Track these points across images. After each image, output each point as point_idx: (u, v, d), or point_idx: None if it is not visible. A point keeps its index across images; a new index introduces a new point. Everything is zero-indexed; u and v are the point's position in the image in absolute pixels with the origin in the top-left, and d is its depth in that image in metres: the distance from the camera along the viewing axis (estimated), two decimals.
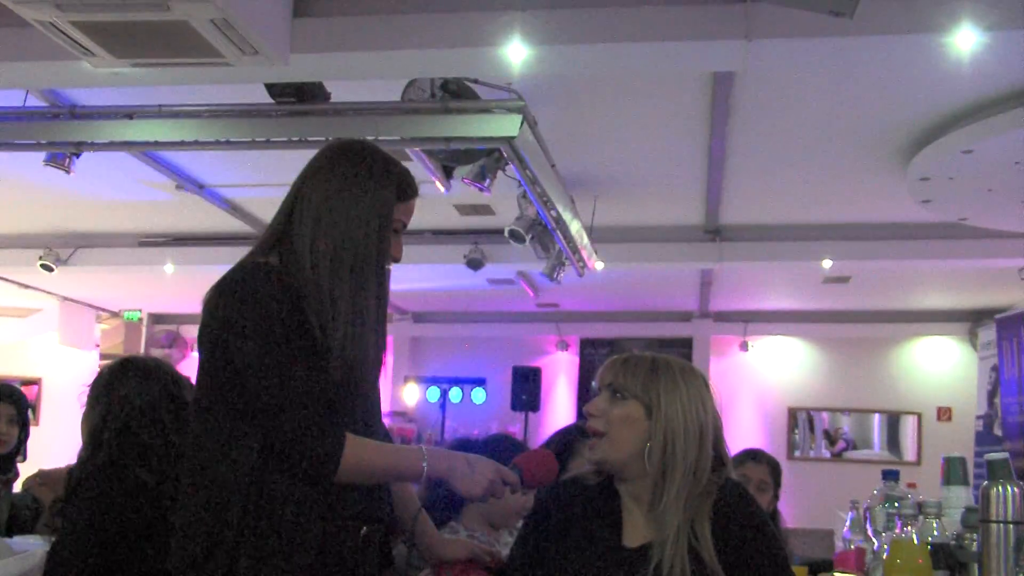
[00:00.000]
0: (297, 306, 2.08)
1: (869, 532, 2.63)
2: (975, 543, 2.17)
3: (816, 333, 11.98)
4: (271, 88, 5.06)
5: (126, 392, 2.77)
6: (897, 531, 2.15)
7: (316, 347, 2.07)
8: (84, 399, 2.85)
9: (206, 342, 2.13)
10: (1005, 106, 5.40)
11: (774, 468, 4.18)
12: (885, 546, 2.20)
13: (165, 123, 5.35)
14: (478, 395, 11.83)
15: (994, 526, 2.08)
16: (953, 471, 2.51)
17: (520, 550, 2.33)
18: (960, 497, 2.45)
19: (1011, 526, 2.07)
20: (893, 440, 11.85)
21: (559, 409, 12.23)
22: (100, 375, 2.87)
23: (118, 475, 2.66)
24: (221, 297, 2.11)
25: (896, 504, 2.34)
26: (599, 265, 8.00)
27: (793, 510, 8.80)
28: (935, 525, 2.24)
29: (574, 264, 7.62)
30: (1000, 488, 2.09)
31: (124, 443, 2.70)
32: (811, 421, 12.13)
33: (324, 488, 2.05)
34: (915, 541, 2.13)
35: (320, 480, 2.04)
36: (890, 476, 2.66)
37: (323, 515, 2.05)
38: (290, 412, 2.01)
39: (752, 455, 4.17)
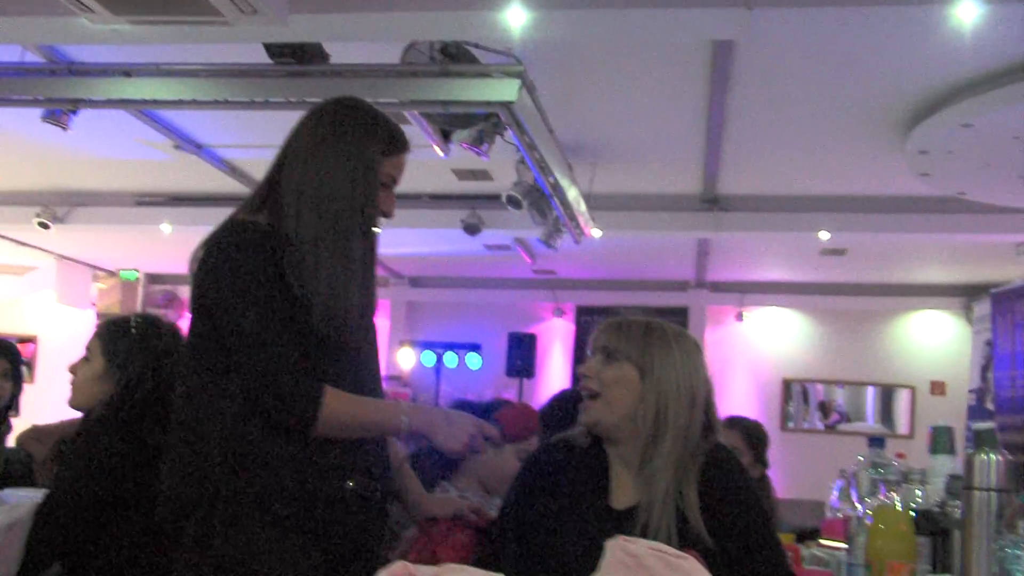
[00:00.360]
0: (280, 263, 2.09)
1: (854, 498, 2.65)
2: (958, 510, 2.19)
3: (812, 305, 11.97)
4: (269, 48, 5.04)
5: (165, 349, 2.76)
6: (881, 497, 2.17)
7: (298, 303, 2.09)
8: (93, 349, 2.82)
9: (193, 300, 2.15)
10: (1005, 80, 5.38)
11: (749, 434, 4.18)
12: (869, 512, 2.22)
13: (163, 81, 5.33)
14: (473, 360, 11.81)
15: (977, 493, 2.10)
16: (939, 440, 2.53)
17: (508, 509, 2.35)
18: (946, 466, 2.47)
19: (994, 494, 2.09)
20: (886, 413, 11.87)
21: (554, 376, 12.24)
22: (125, 328, 2.82)
23: (127, 433, 2.65)
24: (205, 256, 2.13)
25: (881, 470, 2.36)
26: (596, 232, 8.00)
27: (786, 481, 8.85)
28: (919, 492, 2.27)
29: (571, 231, 7.62)
30: (984, 456, 2.10)
31: (150, 398, 2.70)
32: (805, 393, 12.14)
33: (302, 441, 2.07)
34: (899, 507, 2.15)
35: (300, 432, 2.06)
36: (876, 443, 2.68)
37: (300, 467, 2.07)
38: (270, 367, 2.04)
39: (726, 421, 4.17)
